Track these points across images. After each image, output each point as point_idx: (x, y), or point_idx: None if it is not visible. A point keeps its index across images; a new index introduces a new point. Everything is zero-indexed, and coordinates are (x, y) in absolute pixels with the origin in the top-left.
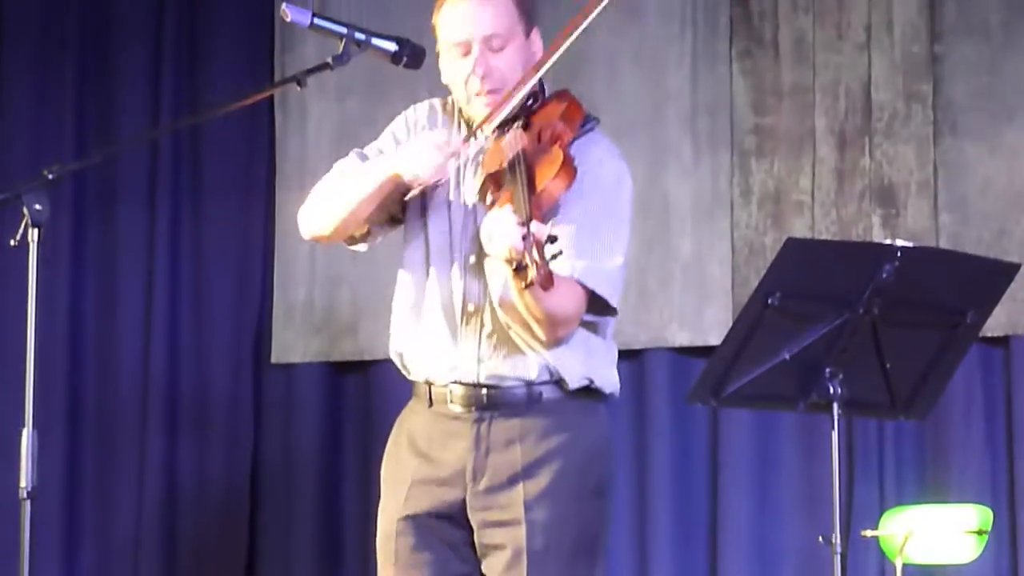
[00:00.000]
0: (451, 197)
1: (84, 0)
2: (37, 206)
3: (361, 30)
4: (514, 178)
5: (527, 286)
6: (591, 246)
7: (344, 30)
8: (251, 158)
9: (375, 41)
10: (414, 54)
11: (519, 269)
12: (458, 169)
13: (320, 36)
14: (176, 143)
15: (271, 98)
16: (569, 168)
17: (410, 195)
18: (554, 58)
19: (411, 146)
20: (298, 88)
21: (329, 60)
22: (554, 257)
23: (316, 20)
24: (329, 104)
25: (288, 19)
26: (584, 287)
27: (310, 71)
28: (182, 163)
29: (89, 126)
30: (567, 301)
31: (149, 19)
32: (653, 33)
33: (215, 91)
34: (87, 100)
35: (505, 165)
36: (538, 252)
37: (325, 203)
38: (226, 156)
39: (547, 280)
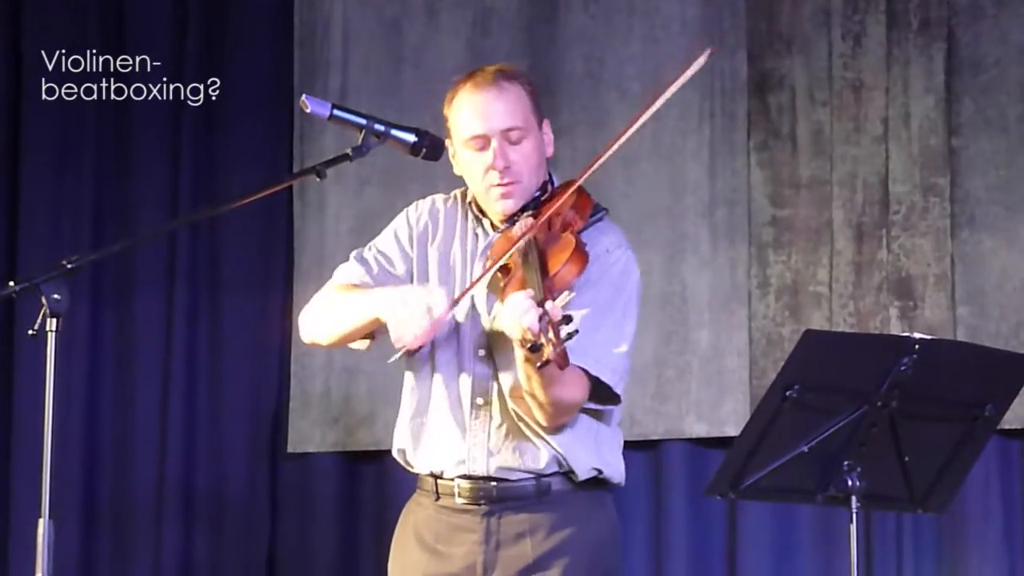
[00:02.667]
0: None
1: (103, 88)
2: (56, 296)
3: (380, 121)
4: (527, 263)
5: (543, 365)
6: (597, 334)
7: (364, 121)
8: (269, 248)
9: (394, 132)
10: (433, 146)
11: (534, 349)
12: (465, 263)
13: (339, 127)
14: (194, 233)
15: (290, 188)
16: (581, 254)
17: (393, 358)
18: (597, 164)
19: (401, 303)
20: (317, 179)
21: (349, 152)
22: (570, 336)
23: (336, 112)
24: (347, 194)
25: (308, 110)
26: (588, 374)
27: (330, 162)
28: (200, 253)
29: (108, 216)
30: (572, 388)
31: (168, 108)
32: (671, 125)
33: (234, 181)
34: (106, 190)
35: (516, 253)
36: (554, 332)
37: (321, 319)
38: (244, 246)
39: (563, 359)
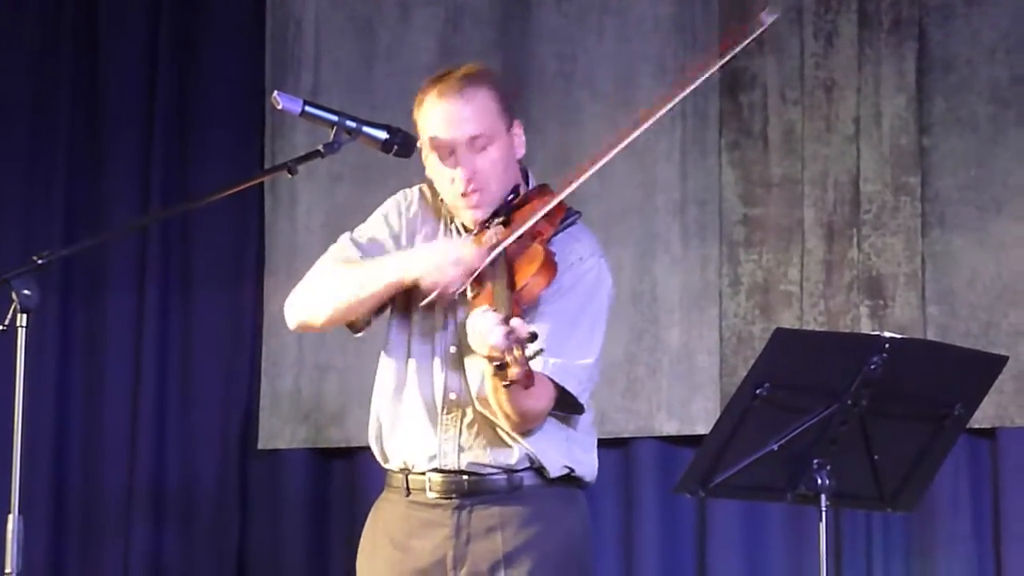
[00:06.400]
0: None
1: (75, 86)
2: (26, 291)
3: (352, 118)
4: (495, 274)
5: (508, 384)
6: (565, 344)
7: (335, 118)
8: (240, 244)
9: (366, 129)
10: (405, 142)
11: (501, 367)
12: None
13: (311, 124)
14: (165, 228)
15: (261, 184)
16: (550, 265)
17: (425, 302)
18: (572, 188)
19: (429, 255)
20: (289, 175)
21: (320, 148)
22: (535, 355)
23: (307, 108)
24: (319, 191)
25: (279, 107)
26: (555, 383)
27: (301, 159)
28: (171, 249)
29: (79, 211)
30: (538, 398)
31: (140, 105)
32: None
33: (205, 177)
34: (77, 185)
35: (487, 261)
36: (520, 350)
37: (322, 294)
38: (215, 242)
39: (527, 378)
